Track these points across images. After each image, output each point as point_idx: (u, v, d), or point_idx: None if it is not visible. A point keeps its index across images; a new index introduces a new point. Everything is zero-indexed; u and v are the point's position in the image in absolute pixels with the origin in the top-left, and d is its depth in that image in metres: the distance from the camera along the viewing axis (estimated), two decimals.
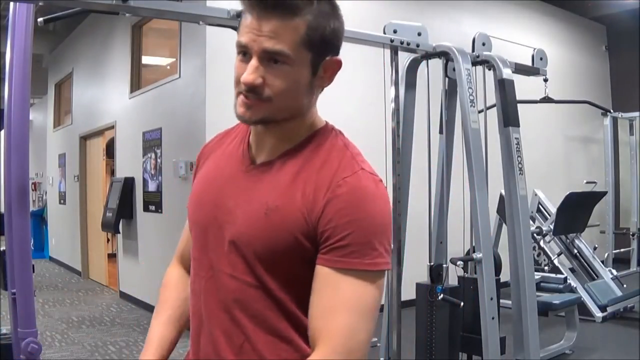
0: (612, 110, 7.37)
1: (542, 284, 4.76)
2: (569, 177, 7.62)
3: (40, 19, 2.33)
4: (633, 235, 7.13)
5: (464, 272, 3.21)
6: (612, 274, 5.50)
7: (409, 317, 3.32)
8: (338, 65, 1.00)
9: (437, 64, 3.26)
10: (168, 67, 6.16)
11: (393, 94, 3.07)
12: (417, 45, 3.06)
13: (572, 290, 4.92)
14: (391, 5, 5.63)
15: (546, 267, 5.24)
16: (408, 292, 3.28)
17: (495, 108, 3.24)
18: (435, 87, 3.26)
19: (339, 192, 0.93)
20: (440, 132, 3.37)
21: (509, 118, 3.15)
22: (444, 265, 3.19)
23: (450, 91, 3.31)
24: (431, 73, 3.26)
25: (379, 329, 3.38)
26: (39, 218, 10.04)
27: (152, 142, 5.83)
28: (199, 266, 1.07)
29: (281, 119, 0.98)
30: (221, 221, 1.02)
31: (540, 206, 5.58)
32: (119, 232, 6.51)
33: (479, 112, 3.10)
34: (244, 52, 0.95)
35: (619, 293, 5.26)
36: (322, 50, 0.96)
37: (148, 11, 2.35)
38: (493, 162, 3.23)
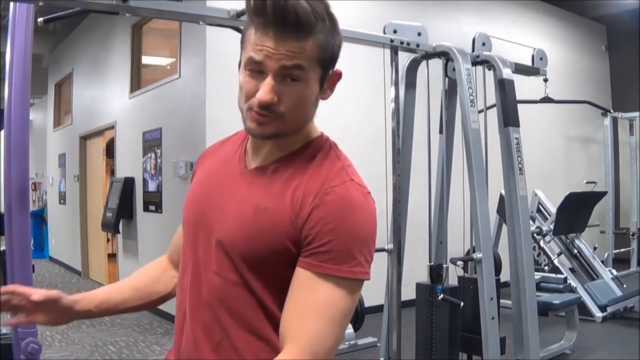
0: (612, 110, 7.36)
1: (542, 284, 4.76)
2: (569, 177, 7.62)
3: (40, 19, 2.33)
4: (633, 235, 7.13)
5: (464, 272, 3.21)
6: (612, 274, 5.50)
7: (409, 317, 3.32)
8: (339, 77, 1.05)
9: (437, 64, 3.27)
10: (168, 67, 6.16)
11: (393, 94, 3.07)
12: (417, 45, 3.06)
13: (572, 290, 4.93)
14: (391, 5, 5.63)
15: (546, 267, 5.24)
16: (408, 292, 3.28)
17: (495, 108, 3.24)
18: (435, 87, 3.26)
19: (326, 200, 0.96)
20: (440, 132, 3.37)
21: (509, 118, 3.15)
22: (444, 265, 3.19)
23: (450, 91, 3.31)
24: (431, 73, 3.26)
25: (378, 329, 3.38)
26: (39, 218, 10.04)
27: (152, 142, 5.84)
28: (187, 262, 1.10)
29: (290, 132, 1.02)
30: (211, 220, 1.05)
31: (540, 206, 5.58)
32: (119, 232, 6.51)
33: (479, 112, 3.10)
34: (256, 69, 0.96)
35: (619, 293, 5.26)
36: (330, 66, 1.01)
37: (148, 11, 2.35)
38: (493, 162, 3.23)
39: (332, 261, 0.94)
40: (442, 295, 3.05)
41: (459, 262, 3.11)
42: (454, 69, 3.17)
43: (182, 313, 1.09)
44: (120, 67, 6.65)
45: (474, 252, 3.02)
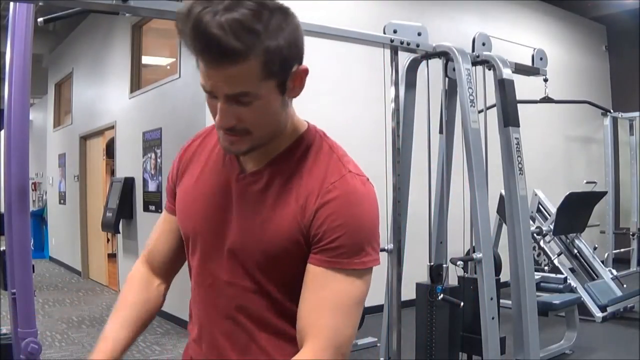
0: (612, 110, 7.36)
1: (542, 284, 4.76)
2: (569, 177, 7.62)
3: (40, 19, 2.33)
4: (633, 235, 7.13)
5: (464, 272, 3.21)
6: (612, 274, 5.50)
7: (409, 317, 3.32)
8: (305, 72, 0.96)
9: (437, 64, 3.26)
10: (168, 67, 6.16)
11: (393, 94, 3.07)
12: (417, 45, 3.06)
13: (572, 290, 4.92)
14: (391, 5, 5.63)
15: (546, 267, 5.24)
16: (408, 292, 3.28)
17: (495, 108, 3.24)
18: (435, 87, 3.26)
19: (329, 198, 0.97)
20: (440, 132, 3.37)
21: (509, 118, 3.15)
22: (444, 265, 3.19)
23: (450, 91, 3.31)
24: (431, 73, 3.26)
25: (378, 329, 3.38)
26: (39, 218, 10.04)
27: (152, 142, 5.84)
28: (199, 275, 1.09)
29: (267, 141, 1.00)
30: (218, 232, 1.05)
31: (540, 206, 5.58)
32: (119, 232, 6.51)
33: (479, 112, 3.10)
34: (211, 94, 0.93)
35: (619, 293, 5.26)
36: (284, 69, 0.92)
37: (148, 11, 2.35)
38: (493, 162, 3.23)
39: (343, 256, 0.96)
40: (442, 295, 3.04)
41: (459, 262, 3.11)
42: (454, 69, 3.17)
43: (198, 326, 1.10)
44: (120, 67, 6.64)
45: (474, 252, 3.02)
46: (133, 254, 6.31)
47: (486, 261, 2.92)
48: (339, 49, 4.37)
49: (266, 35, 0.86)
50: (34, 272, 2.37)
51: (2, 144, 2.36)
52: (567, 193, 5.17)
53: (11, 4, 2.22)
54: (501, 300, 3.25)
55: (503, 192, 3.98)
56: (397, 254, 3.06)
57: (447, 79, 3.29)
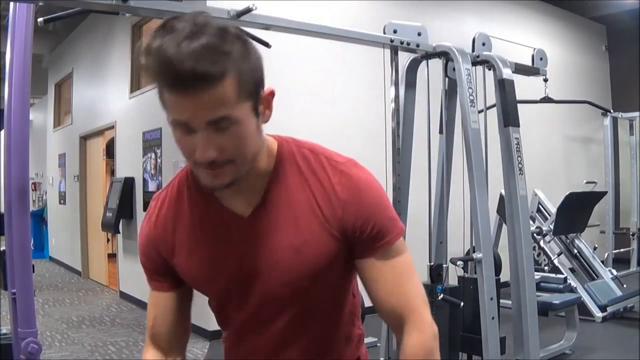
0: (612, 110, 7.36)
1: (542, 284, 4.76)
2: (569, 177, 7.62)
3: (40, 19, 2.33)
4: (633, 235, 7.13)
5: (464, 272, 3.21)
6: (612, 274, 5.49)
7: None
8: (272, 95, 0.97)
9: (437, 64, 3.26)
10: None
11: (393, 94, 3.07)
12: (417, 45, 3.06)
13: (572, 290, 4.92)
14: (391, 5, 5.63)
15: (546, 267, 5.24)
16: None
17: (495, 108, 3.24)
18: (435, 87, 3.26)
19: (344, 197, 1.01)
20: (440, 132, 3.37)
21: (509, 118, 3.15)
22: (444, 265, 3.19)
23: (450, 91, 3.31)
24: (431, 73, 3.26)
25: (379, 329, 3.38)
26: (39, 218, 10.04)
27: (152, 142, 5.83)
28: (247, 328, 1.12)
29: (248, 169, 0.98)
30: (250, 283, 1.05)
31: (540, 206, 5.58)
32: (119, 232, 6.51)
33: (479, 112, 3.10)
34: (185, 128, 0.90)
35: (619, 293, 5.26)
36: (256, 91, 0.93)
37: (148, 11, 2.35)
38: (493, 162, 3.23)
39: (384, 236, 1.03)
40: (442, 295, 3.04)
41: (459, 262, 3.11)
42: (454, 69, 3.17)
43: None
44: (120, 67, 6.64)
45: (474, 252, 3.02)
46: (133, 254, 6.31)
47: (486, 261, 2.92)
48: (339, 49, 4.37)
49: (237, 55, 0.87)
50: (34, 272, 2.37)
51: (2, 144, 2.36)
52: (567, 193, 5.17)
53: (11, 4, 2.22)
54: (501, 300, 3.25)
55: (503, 192, 3.98)
56: None
57: (447, 79, 3.29)
